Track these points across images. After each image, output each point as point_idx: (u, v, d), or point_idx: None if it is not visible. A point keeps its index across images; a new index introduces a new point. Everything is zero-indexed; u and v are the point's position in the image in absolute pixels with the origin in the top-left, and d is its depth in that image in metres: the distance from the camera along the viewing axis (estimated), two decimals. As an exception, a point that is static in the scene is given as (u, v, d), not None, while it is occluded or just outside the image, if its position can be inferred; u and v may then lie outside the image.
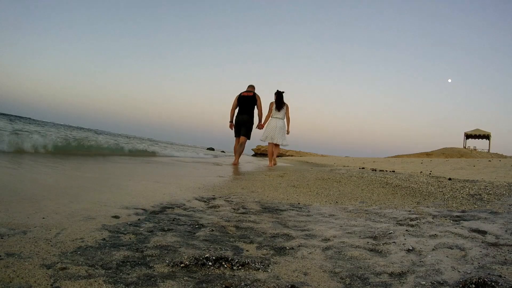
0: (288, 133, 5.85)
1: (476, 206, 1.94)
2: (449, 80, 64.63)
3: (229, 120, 5.88)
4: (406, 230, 1.38)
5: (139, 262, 0.91)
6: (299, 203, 2.11)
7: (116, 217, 1.37)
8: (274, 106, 5.71)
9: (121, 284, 0.77)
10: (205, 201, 1.96)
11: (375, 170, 4.42)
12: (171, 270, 0.88)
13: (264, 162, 7.50)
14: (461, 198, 2.19)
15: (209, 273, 0.88)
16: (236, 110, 5.78)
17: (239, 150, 5.70)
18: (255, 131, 5.87)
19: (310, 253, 1.09)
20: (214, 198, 2.09)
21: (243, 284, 0.82)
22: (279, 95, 5.72)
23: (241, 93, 5.79)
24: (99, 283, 0.76)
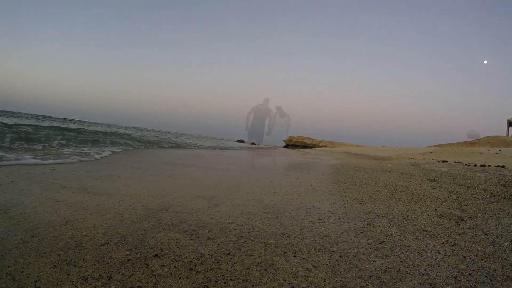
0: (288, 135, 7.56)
1: None
2: (485, 62, 56.36)
3: (245, 124, 7.23)
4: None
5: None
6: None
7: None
8: (278, 116, 7.53)
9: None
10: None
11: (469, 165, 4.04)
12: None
13: (296, 154, 8.57)
14: None
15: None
16: (251, 117, 7.18)
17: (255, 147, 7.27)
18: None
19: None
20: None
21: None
22: (279, 109, 7.58)
23: (258, 105, 7.14)
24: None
